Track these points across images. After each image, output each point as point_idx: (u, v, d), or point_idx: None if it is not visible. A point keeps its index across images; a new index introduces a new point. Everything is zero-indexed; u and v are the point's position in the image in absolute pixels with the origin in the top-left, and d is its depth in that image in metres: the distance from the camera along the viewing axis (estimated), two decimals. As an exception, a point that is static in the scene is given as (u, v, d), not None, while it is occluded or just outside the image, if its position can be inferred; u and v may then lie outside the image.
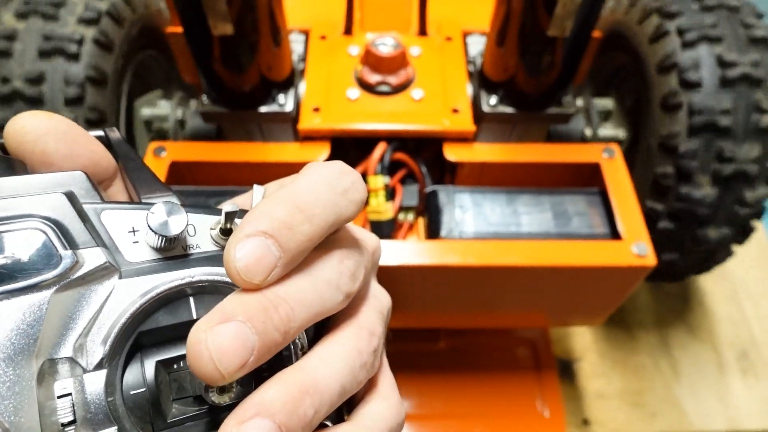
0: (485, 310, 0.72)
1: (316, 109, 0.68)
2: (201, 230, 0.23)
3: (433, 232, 0.63)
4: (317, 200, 0.22)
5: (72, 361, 0.19)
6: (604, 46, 0.86)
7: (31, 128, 0.24)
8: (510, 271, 0.59)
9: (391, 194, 0.69)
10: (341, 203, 0.23)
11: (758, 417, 0.90)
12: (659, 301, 1.01)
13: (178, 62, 0.81)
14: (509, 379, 0.92)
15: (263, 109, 0.69)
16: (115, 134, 0.27)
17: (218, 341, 0.18)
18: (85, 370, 0.19)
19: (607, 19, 0.86)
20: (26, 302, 0.18)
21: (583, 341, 0.98)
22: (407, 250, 0.58)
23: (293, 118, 0.70)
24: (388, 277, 0.61)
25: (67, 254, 0.19)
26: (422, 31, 0.78)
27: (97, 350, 0.19)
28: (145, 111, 0.82)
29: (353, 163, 0.69)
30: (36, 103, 0.64)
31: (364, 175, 0.67)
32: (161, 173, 0.64)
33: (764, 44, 0.66)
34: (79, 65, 0.66)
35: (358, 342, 0.24)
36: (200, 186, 0.65)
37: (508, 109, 0.70)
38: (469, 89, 0.73)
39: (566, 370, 0.95)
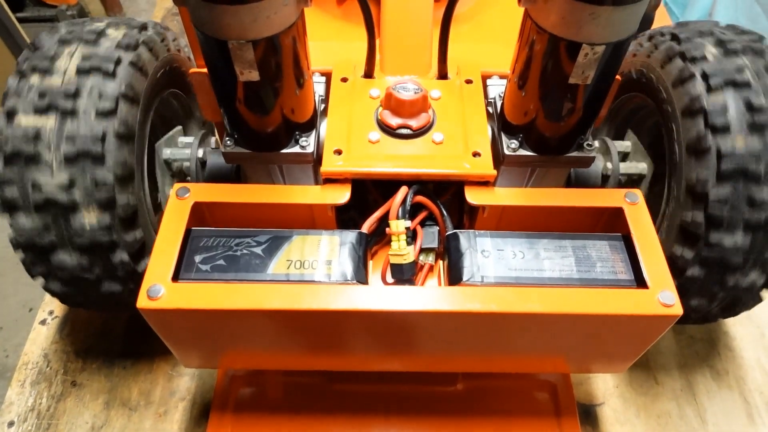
0: (505, 355, 0.71)
1: (338, 152, 0.69)
2: None
3: (454, 276, 0.63)
4: None
5: None
6: (623, 88, 0.87)
7: None
8: (533, 318, 0.58)
9: (412, 236, 0.68)
10: None
11: (791, 470, 0.86)
12: (684, 345, 0.99)
13: (199, 101, 0.83)
14: (528, 423, 0.89)
15: (285, 150, 0.70)
16: None
17: None
18: None
19: (627, 61, 0.86)
20: None
21: (605, 385, 0.95)
22: (430, 296, 0.57)
23: (315, 159, 0.71)
24: (410, 322, 0.60)
25: None
26: (442, 74, 0.79)
27: None
28: (166, 151, 0.84)
29: (372, 207, 0.69)
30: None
31: (384, 219, 0.67)
32: (184, 213, 0.64)
33: None
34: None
35: None
36: (222, 228, 0.65)
37: (529, 153, 0.70)
38: (488, 132, 0.73)
39: (588, 416, 0.93)
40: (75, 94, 0.67)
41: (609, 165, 0.80)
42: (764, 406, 0.92)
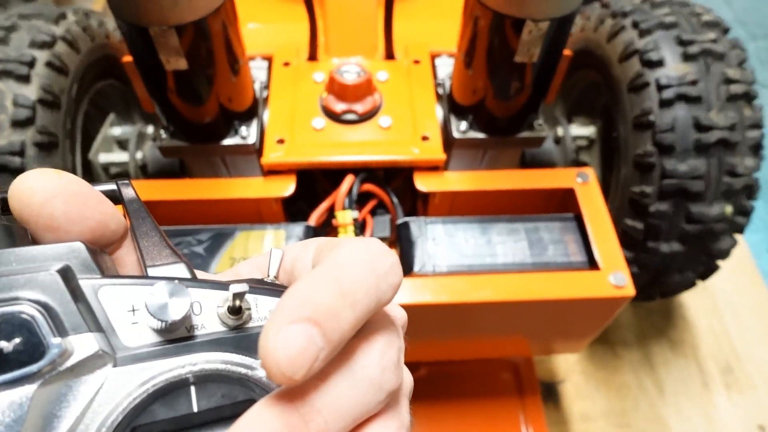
0: (464, 343, 0.70)
1: (281, 141, 0.65)
2: (207, 308, 0.21)
3: (406, 266, 0.61)
4: (360, 283, 0.20)
5: None
6: (575, 65, 0.85)
7: (40, 189, 0.21)
8: (487, 307, 0.57)
9: (361, 227, 0.66)
10: (382, 287, 0.21)
11: (743, 432, 0.89)
12: (641, 318, 1.00)
13: (137, 92, 0.78)
14: (492, 404, 0.89)
15: (225, 141, 0.66)
16: (128, 190, 0.25)
17: None
18: None
19: (581, 36, 0.84)
20: (6, 399, 0.17)
21: (566, 362, 0.96)
22: (378, 290, 0.55)
23: (257, 149, 0.67)
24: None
25: (55, 343, 0.18)
26: (389, 55, 0.76)
27: None
28: (102, 157, 0.77)
29: (322, 196, 0.66)
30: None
31: (333, 209, 0.64)
32: (118, 214, 0.60)
33: (745, 100, 0.64)
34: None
35: None
36: (163, 226, 0.61)
37: (479, 135, 0.68)
38: (438, 113, 0.71)
39: (550, 393, 0.94)
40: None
41: (560, 130, 0.79)
42: (718, 373, 0.94)
